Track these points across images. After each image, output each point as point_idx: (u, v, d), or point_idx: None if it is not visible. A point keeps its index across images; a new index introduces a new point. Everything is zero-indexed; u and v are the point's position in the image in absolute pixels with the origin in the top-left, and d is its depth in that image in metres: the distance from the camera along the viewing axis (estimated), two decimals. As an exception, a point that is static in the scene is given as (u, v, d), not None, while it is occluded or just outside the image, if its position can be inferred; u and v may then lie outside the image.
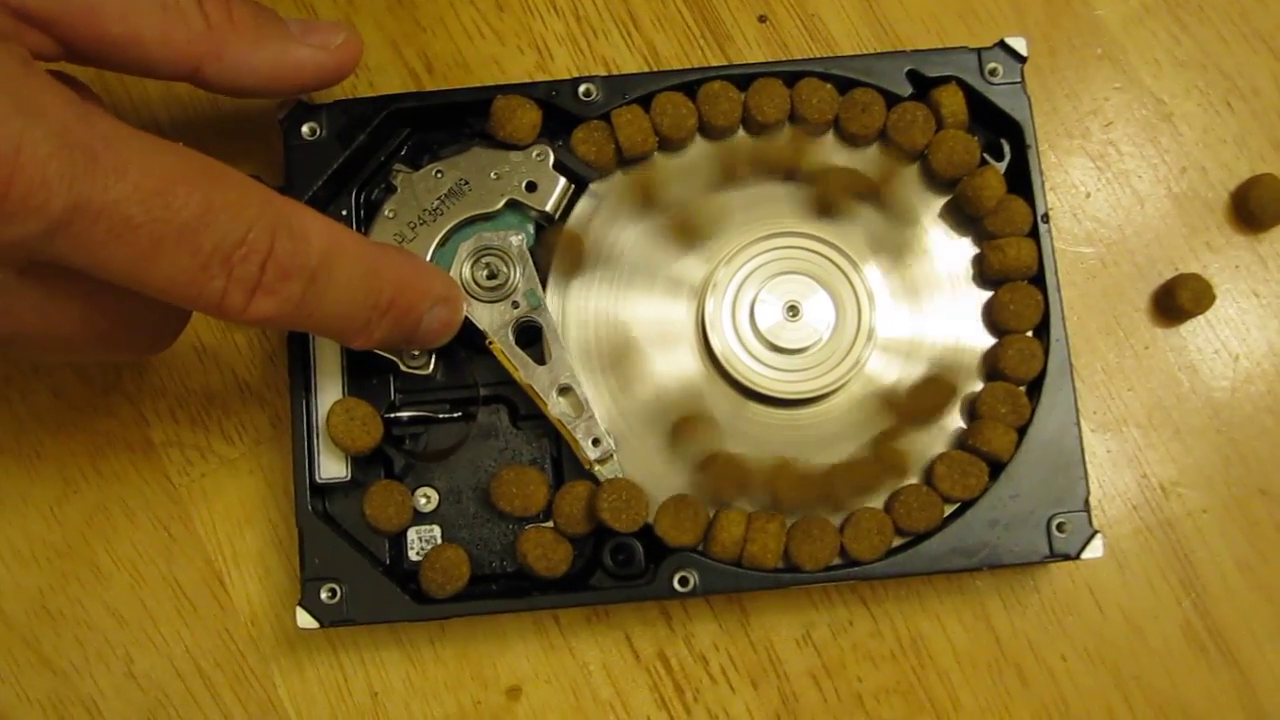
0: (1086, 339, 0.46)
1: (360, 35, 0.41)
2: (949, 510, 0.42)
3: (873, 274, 0.44)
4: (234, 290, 0.33)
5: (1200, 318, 0.46)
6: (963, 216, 0.44)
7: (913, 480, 0.43)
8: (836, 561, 0.42)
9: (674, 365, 0.44)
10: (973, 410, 0.43)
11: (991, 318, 0.44)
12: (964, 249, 0.45)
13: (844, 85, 0.44)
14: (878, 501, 0.42)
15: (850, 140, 0.44)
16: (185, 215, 0.32)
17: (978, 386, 0.44)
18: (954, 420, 0.43)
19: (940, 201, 0.45)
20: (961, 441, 0.43)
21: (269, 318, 0.34)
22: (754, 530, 0.41)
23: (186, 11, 0.38)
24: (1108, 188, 0.48)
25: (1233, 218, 0.47)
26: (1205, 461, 0.46)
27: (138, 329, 0.38)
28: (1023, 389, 0.43)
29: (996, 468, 0.42)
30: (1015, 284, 0.43)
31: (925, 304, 0.44)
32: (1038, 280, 0.43)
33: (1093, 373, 0.46)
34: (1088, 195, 0.47)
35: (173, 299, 0.33)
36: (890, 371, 0.44)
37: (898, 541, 0.42)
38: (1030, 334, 0.43)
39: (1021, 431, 0.42)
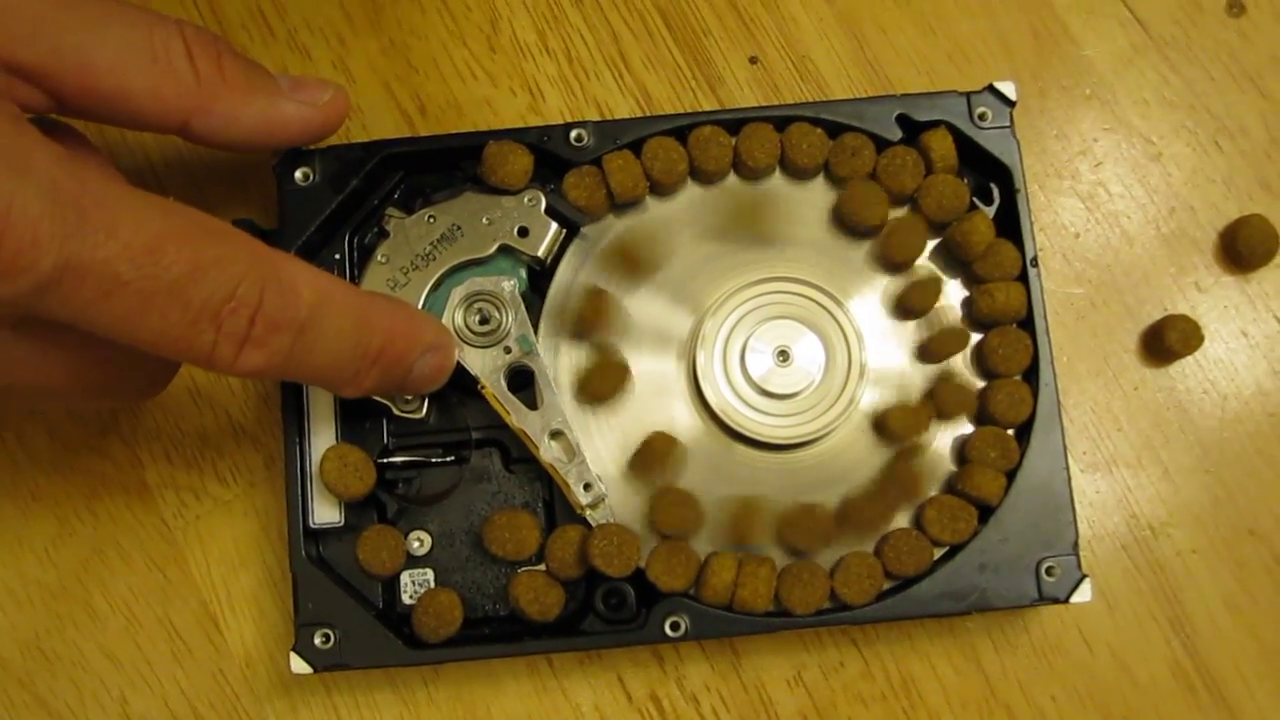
0: (1076, 379, 0.47)
1: (348, 92, 0.42)
2: (938, 554, 0.42)
3: (858, 309, 0.44)
4: (223, 344, 0.33)
5: (1189, 358, 0.47)
6: (953, 259, 0.45)
7: (900, 526, 0.43)
8: (827, 605, 0.42)
9: (669, 418, 0.44)
10: (962, 454, 0.43)
11: (981, 361, 0.44)
12: (954, 290, 0.45)
13: (834, 129, 0.44)
14: (867, 546, 0.43)
15: (840, 185, 0.45)
16: (175, 272, 0.32)
17: (968, 429, 0.44)
18: (944, 464, 0.44)
19: (930, 244, 0.45)
20: (951, 486, 0.43)
21: (259, 370, 0.34)
22: (745, 575, 0.41)
23: (177, 66, 0.38)
24: (1097, 228, 0.48)
25: (1221, 258, 0.48)
26: (1194, 502, 0.46)
27: (129, 378, 0.38)
28: (1011, 433, 0.43)
29: (986, 512, 0.42)
30: (1004, 328, 0.43)
31: (915, 340, 0.44)
32: (1027, 323, 0.43)
33: (1082, 413, 0.47)
34: (1077, 236, 0.48)
35: (162, 353, 0.33)
36: (885, 405, 0.44)
37: (888, 585, 0.42)
38: (1019, 378, 0.43)
39: (1010, 476, 0.42)
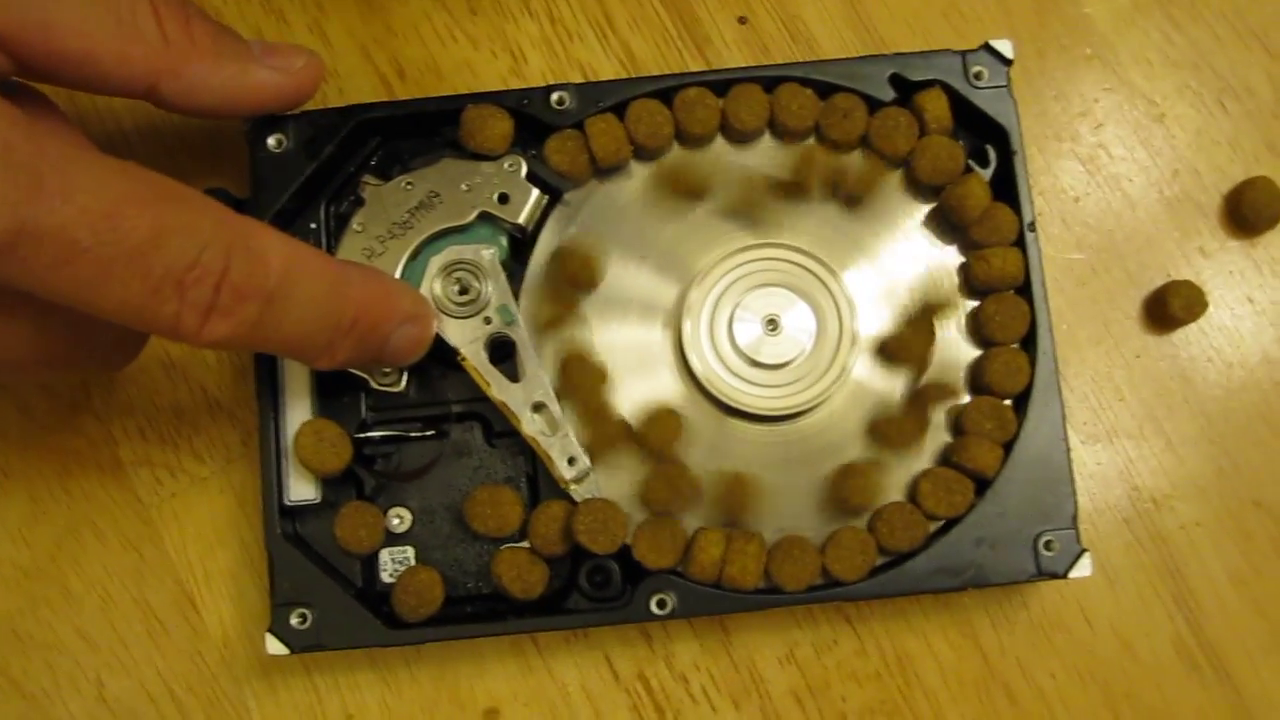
0: (1076, 347, 0.45)
1: (322, 59, 0.41)
2: (933, 529, 0.41)
3: (852, 278, 0.43)
4: (187, 313, 0.32)
5: (1193, 325, 0.45)
6: (948, 224, 0.43)
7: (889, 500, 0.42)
8: (818, 582, 0.41)
9: (654, 389, 0.42)
10: (958, 426, 0.42)
11: (978, 329, 0.42)
12: (950, 256, 0.43)
13: (825, 90, 0.43)
14: (859, 521, 0.41)
15: (832, 147, 0.43)
16: (135, 238, 0.31)
17: (964, 399, 0.43)
18: (939, 436, 0.42)
19: (925, 209, 0.43)
20: (946, 458, 0.42)
21: (225, 340, 0.33)
22: (733, 551, 0.40)
23: (144, 28, 0.37)
24: (1098, 191, 0.46)
25: (1226, 221, 0.46)
26: (1198, 473, 0.45)
27: (95, 348, 0.37)
28: (1009, 403, 0.42)
29: (982, 485, 0.41)
30: (1001, 295, 0.42)
31: (909, 307, 0.43)
32: (1025, 290, 0.42)
33: (1082, 382, 0.45)
34: (1077, 199, 0.46)
35: (124, 322, 0.32)
36: (877, 376, 0.43)
37: (881, 560, 0.41)
38: (1017, 346, 0.42)
39: (1007, 448, 0.41)
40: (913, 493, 0.41)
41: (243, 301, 0.33)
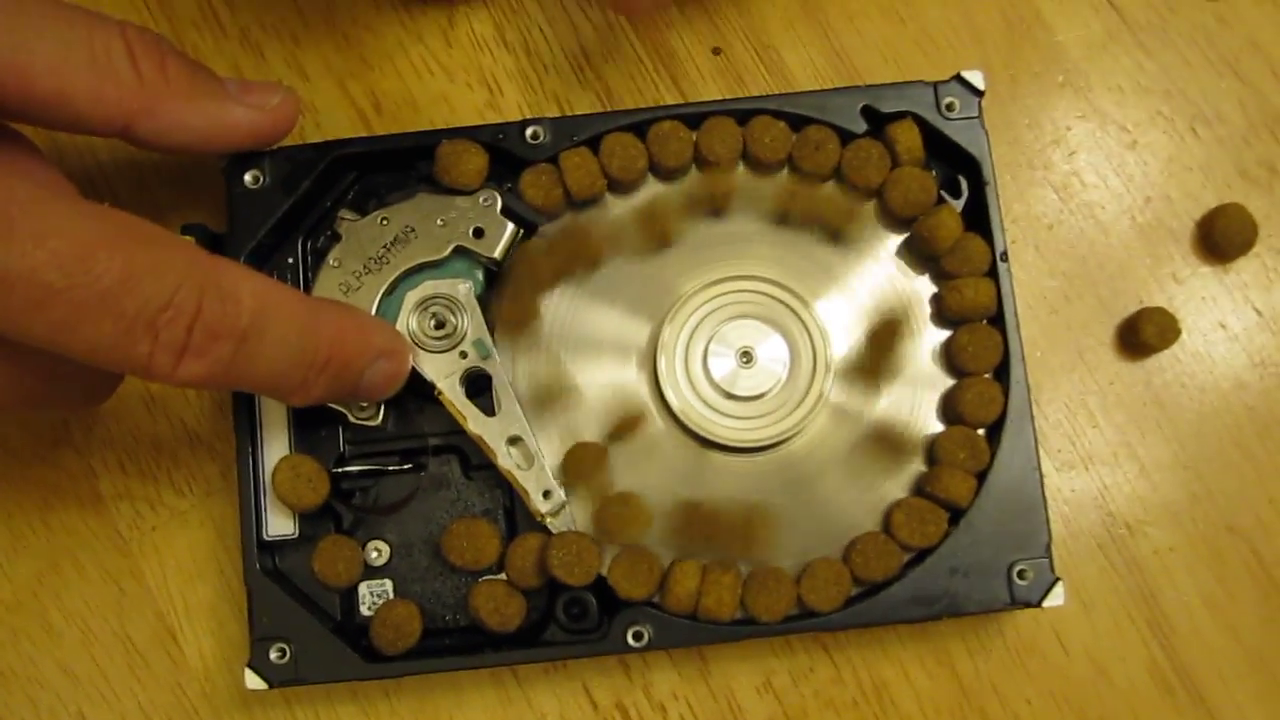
0: (1049, 374, 0.46)
1: (298, 95, 0.41)
2: (907, 559, 0.41)
3: (823, 306, 0.43)
4: (160, 354, 0.33)
5: (1166, 351, 0.46)
6: (921, 254, 0.44)
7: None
8: (794, 612, 0.41)
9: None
10: (931, 455, 0.42)
11: (950, 359, 0.43)
12: (923, 286, 0.44)
13: (797, 122, 0.43)
14: (834, 553, 0.42)
15: (805, 178, 0.44)
16: (107, 280, 0.31)
17: (937, 428, 0.43)
18: (912, 467, 0.43)
19: (897, 240, 0.44)
20: (919, 488, 0.42)
21: (200, 379, 0.34)
22: (709, 583, 0.40)
23: (118, 68, 0.37)
24: (1071, 219, 0.47)
25: (1199, 248, 0.46)
26: (1172, 499, 0.45)
27: (71, 387, 0.37)
28: (982, 433, 0.42)
29: (956, 514, 0.41)
30: (974, 325, 0.42)
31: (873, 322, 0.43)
32: (997, 320, 0.42)
33: (1056, 409, 0.45)
34: (1050, 227, 0.46)
35: (98, 364, 0.33)
36: (854, 400, 0.43)
37: (856, 590, 0.41)
38: (990, 376, 0.42)
39: (981, 477, 0.41)
40: (886, 523, 0.42)
41: (216, 341, 0.33)
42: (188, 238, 0.34)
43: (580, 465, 0.42)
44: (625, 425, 0.43)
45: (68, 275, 0.30)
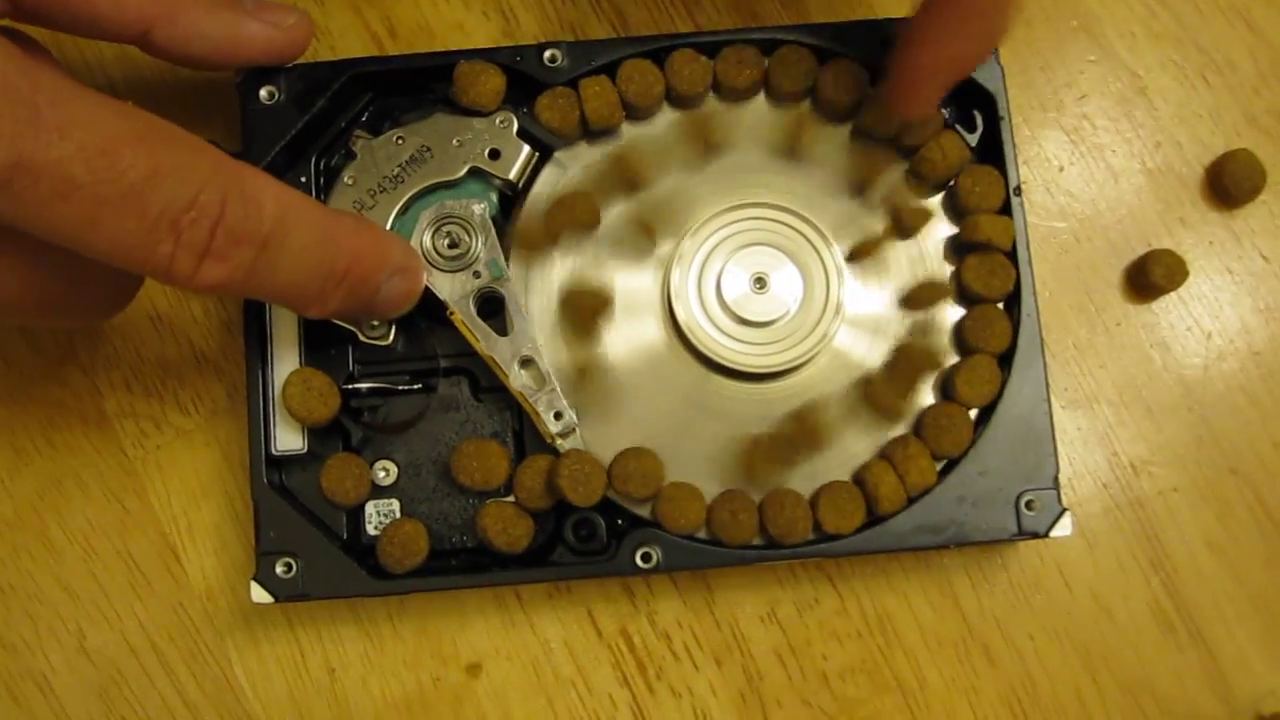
0: (1058, 315, 0.46)
1: (312, 19, 0.41)
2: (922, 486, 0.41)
3: (843, 248, 0.43)
4: (182, 255, 0.32)
5: (1173, 294, 0.46)
6: (930, 182, 0.43)
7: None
8: (811, 536, 0.41)
9: (638, 335, 0.43)
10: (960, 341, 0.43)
11: (961, 286, 0.43)
12: (937, 228, 0.44)
13: (816, 54, 0.43)
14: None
15: (828, 109, 0.44)
16: (131, 176, 0.31)
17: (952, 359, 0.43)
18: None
19: (926, 202, 0.44)
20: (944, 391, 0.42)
21: (219, 284, 0.33)
22: (727, 504, 0.40)
23: None
24: (1081, 162, 0.47)
25: (1207, 193, 0.47)
26: (1176, 440, 0.45)
27: (86, 293, 0.37)
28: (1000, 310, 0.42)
29: (950, 463, 0.42)
30: (987, 253, 0.42)
31: (895, 279, 0.43)
32: (1010, 256, 0.42)
33: (1064, 349, 0.46)
34: (1061, 169, 0.47)
35: (118, 263, 0.32)
36: (859, 346, 0.43)
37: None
38: (1000, 306, 0.42)
39: (990, 408, 0.41)
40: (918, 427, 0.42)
41: (238, 245, 0.33)
42: (210, 143, 0.34)
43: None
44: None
45: (92, 169, 0.30)
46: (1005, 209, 0.42)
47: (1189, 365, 0.46)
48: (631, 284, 0.43)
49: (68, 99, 0.31)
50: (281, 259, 0.35)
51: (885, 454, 0.42)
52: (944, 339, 0.43)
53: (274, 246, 0.34)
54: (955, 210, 0.43)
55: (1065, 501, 0.41)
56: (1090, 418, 0.45)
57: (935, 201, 0.44)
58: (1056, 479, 0.41)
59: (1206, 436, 0.45)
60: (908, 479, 0.41)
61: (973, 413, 0.42)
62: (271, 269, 0.34)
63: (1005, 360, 0.42)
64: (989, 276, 0.42)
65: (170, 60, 0.39)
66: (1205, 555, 0.45)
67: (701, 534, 0.41)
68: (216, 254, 0.33)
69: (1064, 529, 0.41)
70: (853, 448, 0.42)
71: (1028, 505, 0.41)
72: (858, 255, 0.43)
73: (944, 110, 0.43)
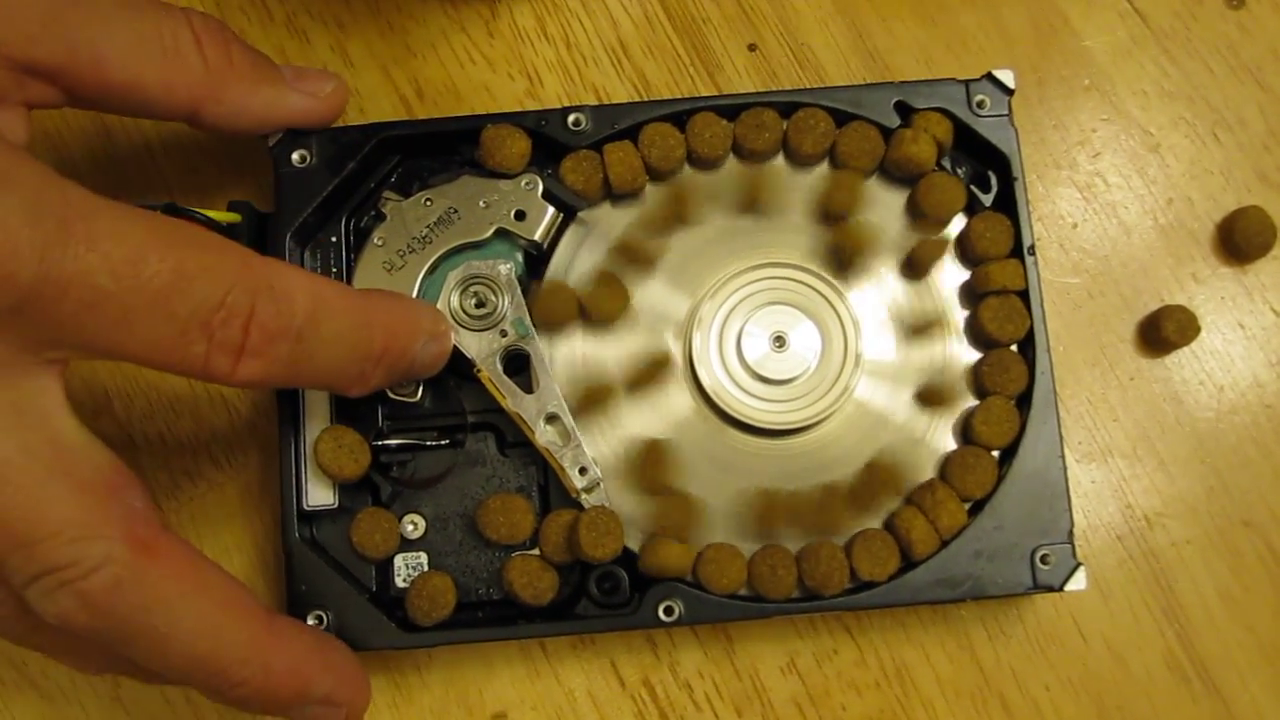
0: (1072, 369, 0.47)
1: (347, 84, 0.43)
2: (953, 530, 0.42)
3: (856, 299, 0.44)
4: (216, 354, 0.33)
5: (1185, 349, 0.47)
6: (958, 254, 0.45)
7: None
8: (849, 585, 0.42)
9: (663, 400, 0.44)
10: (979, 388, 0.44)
11: (977, 330, 0.44)
12: (952, 275, 0.45)
13: (834, 117, 0.44)
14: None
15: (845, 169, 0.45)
16: (158, 282, 0.31)
17: (971, 402, 0.44)
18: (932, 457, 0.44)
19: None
20: (965, 436, 0.43)
21: (259, 379, 0.34)
22: (767, 560, 0.41)
23: (187, 56, 0.39)
24: (1094, 218, 0.48)
25: (1219, 249, 0.48)
26: (1189, 492, 0.46)
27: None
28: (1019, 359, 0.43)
29: (1003, 456, 0.43)
30: (1003, 295, 0.43)
31: (909, 331, 0.44)
32: (1023, 297, 0.43)
33: (1078, 403, 0.46)
34: (1074, 226, 0.48)
35: (156, 366, 0.33)
36: (879, 396, 0.44)
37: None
38: (1015, 349, 0.44)
39: (1010, 451, 0.42)
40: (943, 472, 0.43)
41: (273, 341, 0.34)
42: (238, 243, 0.34)
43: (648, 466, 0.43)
44: (650, 371, 0.44)
45: (119, 278, 0.31)
46: (1015, 253, 0.43)
47: (1201, 419, 0.46)
48: (651, 349, 0.44)
49: (95, 211, 0.31)
50: (318, 348, 0.35)
51: (914, 500, 0.43)
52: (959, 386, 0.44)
53: (309, 337, 0.35)
54: (967, 258, 0.44)
55: (1080, 554, 0.42)
56: (1104, 470, 0.46)
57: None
58: (1071, 533, 0.42)
59: (1219, 489, 0.46)
60: (939, 523, 0.42)
61: (994, 454, 0.43)
62: (309, 358, 0.35)
63: (1022, 401, 0.43)
64: (1004, 321, 0.43)
65: (215, 132, 0.41)
66: (1219, 606, 0.45)
67: (743, 591, 0.42)
68: (252, 350, 0.33)
69: (1078, 583, 0.41)
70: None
71: (1043, 560, 0.42)
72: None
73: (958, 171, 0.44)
